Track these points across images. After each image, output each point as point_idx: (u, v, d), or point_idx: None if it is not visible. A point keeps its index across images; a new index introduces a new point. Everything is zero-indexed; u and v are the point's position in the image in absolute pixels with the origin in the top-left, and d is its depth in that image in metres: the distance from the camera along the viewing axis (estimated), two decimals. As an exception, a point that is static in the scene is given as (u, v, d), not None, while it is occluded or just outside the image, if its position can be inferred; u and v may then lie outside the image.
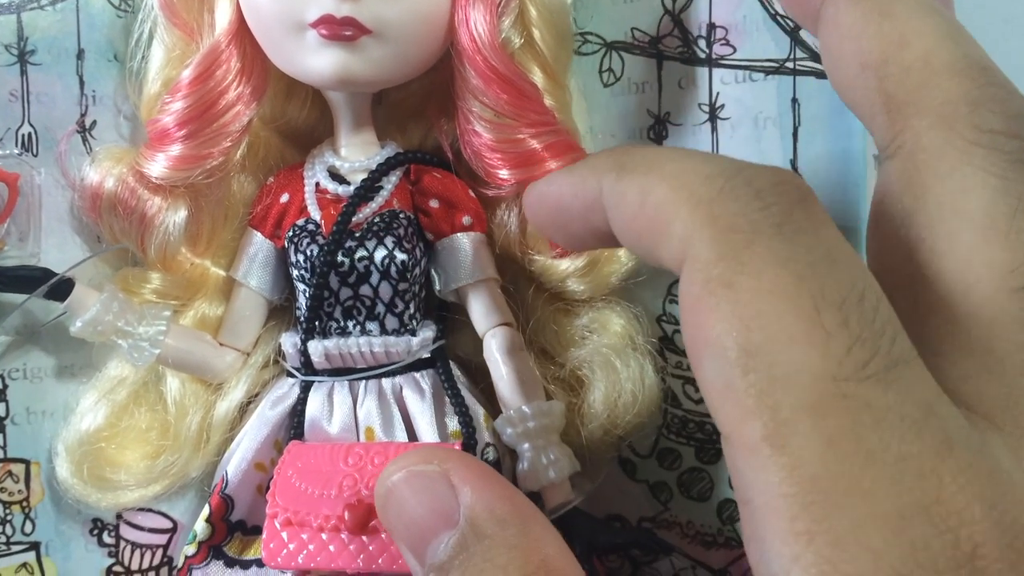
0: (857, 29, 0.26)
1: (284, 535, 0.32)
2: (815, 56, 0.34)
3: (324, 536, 0.32)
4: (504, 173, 0.36)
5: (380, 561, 0.31)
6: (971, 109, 0.24)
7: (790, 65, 0.35)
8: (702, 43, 0.37)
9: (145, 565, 0.39)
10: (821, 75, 0.34)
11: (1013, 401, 0.22)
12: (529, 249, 0.37)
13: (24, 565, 0.37)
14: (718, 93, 0.37)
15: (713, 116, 0.37)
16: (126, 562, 0.38)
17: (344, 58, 0.33)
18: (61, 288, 0.34)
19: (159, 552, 0.39)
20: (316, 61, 0.33)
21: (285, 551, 0.32)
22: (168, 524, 0.39)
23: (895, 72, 0.25)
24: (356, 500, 0.32)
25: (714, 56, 0.37)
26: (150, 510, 0.38)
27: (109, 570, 0.38)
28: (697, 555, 0.38)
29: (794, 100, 0.35)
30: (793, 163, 0.35)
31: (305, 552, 0.32)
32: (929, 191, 0.24)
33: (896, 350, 0.21)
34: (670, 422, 0.38)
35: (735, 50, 0.36)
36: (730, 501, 0.38)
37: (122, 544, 0.38)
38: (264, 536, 0.33)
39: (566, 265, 0.37)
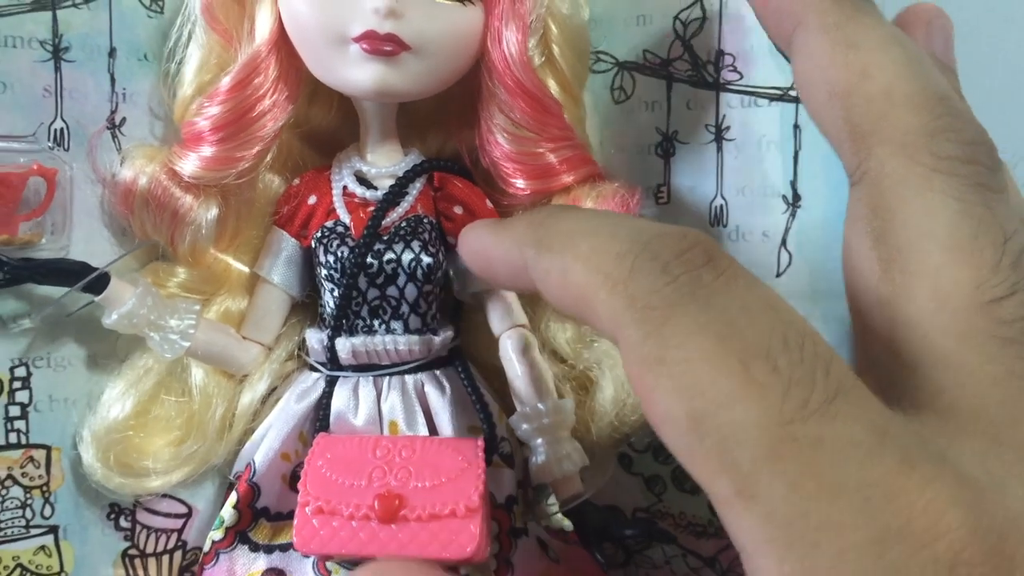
0: (825, 59, 0.28)
1: (315, 522, 0.34)
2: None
3: (354, 524, 0.34)
4: (520, 183, 0.38)
5: (409, 548, 0.33)
6: (929, 139, 0.26)
7: (793, 93, 0.38)
8: (710, 68, 0.39)
9: (160, 549, 0.40)
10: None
11: (984, 411, 0.23)
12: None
13: (43, 548, 0.38)
14: (724, 115, 0.39)
15: (719, 137, 0.39)
16: (141, 545, 0.40)
17: (384, 72, 0.35)
18: (98, 282, 0.35)
19: (173, 536, 0.40)
20: (357, 74, 0.35)
21: (316, 538, 0.34)
22: (183, 509, 0.40)
23: (859, 103, 0.27)
24: (385, 490, 0.34)
25: (722, 81, 0.39)
26: (166, 495, 0.39)
27: (125, 553, 0.39)
28: (689, 544, 0.41)
29: (796, 126, 0.38)
30: (794, 184, 0.38)
31: (336, 539, 0.34)
32: (896, 214, 0.26)
33: (832, 381, 0.22)
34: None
35: (742, 76, 0.39)
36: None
37: (138, 528, 0.40)
38: (296, 523, 0.34)
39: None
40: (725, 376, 0.22)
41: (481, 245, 0.32)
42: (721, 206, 0.39)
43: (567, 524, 0.41)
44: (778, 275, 0.38)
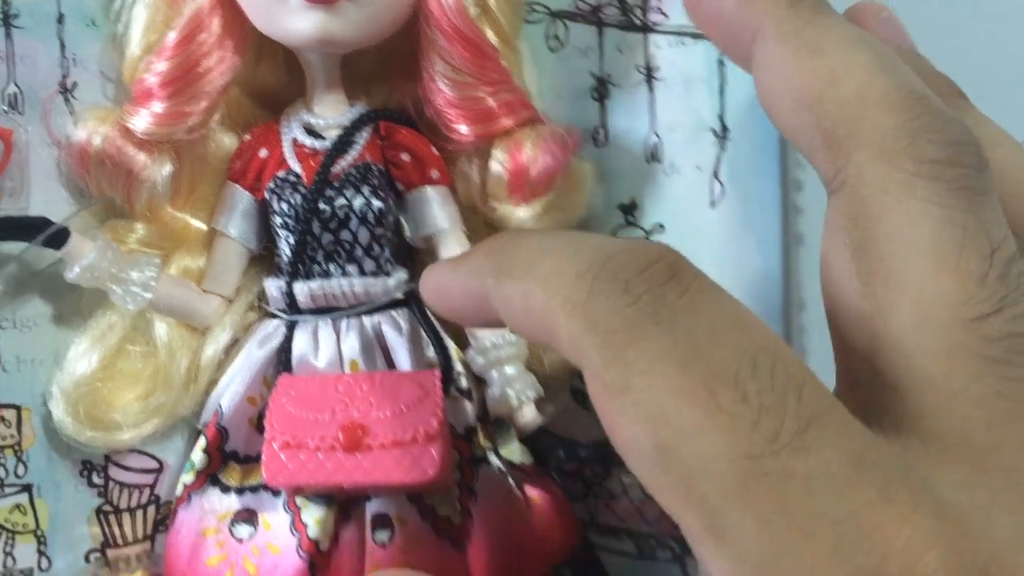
0: (788, 68, 0.26)
1: (282, 456, 0.35)
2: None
3: (320, 455, 0.35)
4: (463, 128, 0.39)
5: (375, 475, 0.35)
6: (910, 141, 0.24)
7: (716, 31, 0.40)
8: (638, 12, 0.41)
9: (133, 504, 0.41)
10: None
11: (969, 434, 0.22)
12: (490, 199, 0.41)
13: (18, 506, 0.39)
14: (653, 56, 0.41)
15: (650, 77, 0.41)
16: (115, 501, 0.41)
17: (325, 20, 0.36)
18: (58, 236, 0.36)
19: (146, 491, 0.41)
20: (298, 23, 0.36)
21: (284, 471, 0.35)
22: (154, 464, 0.41)
23: (831, 109, 0.25)
24: (349, 422, 0.35)
25: (649, 23, 0.41)
26: (137, 451, 0.41)
27: (99, 509, 0.40)
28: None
29: (720, 61, 0.40)
30: (721, 117, 0.40)
31: (304, 471, 0.35)
32: (878, 224, 0.24)
33: (805, 407, 0.20)
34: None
35: (667, 17, 0.41)
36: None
37: (111, 484, 0.40)
38: (264, 459, 0.36)
39: (523, 213, 0.41)
40: (690, 405, 0.21)
41: (440, 282, 0.30)
42: (656, 144, 0.41)
43: (526, 456, 0.42)
44: (712, 205, 0.40)
